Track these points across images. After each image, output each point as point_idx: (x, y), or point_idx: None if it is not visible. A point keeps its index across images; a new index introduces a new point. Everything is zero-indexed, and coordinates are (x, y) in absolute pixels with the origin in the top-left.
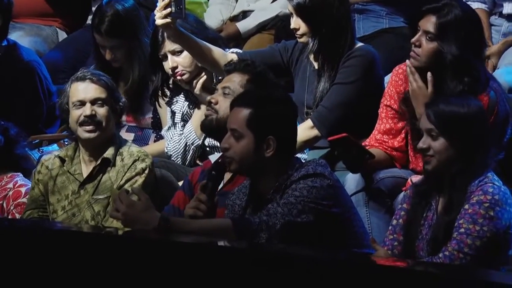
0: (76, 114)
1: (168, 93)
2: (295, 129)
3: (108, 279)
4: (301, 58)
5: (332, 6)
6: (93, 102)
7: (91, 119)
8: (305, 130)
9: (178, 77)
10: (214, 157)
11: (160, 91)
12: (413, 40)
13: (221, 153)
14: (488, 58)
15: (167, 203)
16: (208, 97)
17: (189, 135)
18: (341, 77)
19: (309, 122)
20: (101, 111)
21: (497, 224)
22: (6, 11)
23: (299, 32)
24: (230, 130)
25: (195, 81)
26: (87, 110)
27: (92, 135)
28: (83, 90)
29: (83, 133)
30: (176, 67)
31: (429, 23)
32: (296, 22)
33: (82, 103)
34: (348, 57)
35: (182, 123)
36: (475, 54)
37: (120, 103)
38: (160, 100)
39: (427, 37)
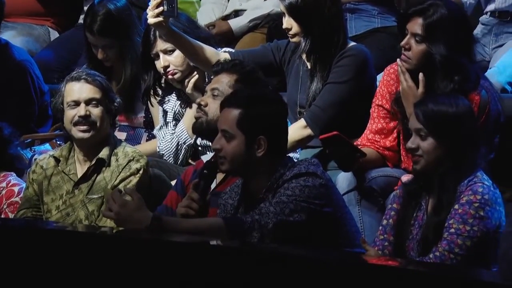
0: (70, 114)
1: (160, 92)
2: (285, 128)
3: (101, 278)
4: (294, 58)
5: (324, 6)
6: (88, 102)
7: (85, 119)
8: (298, 129)
9: (170, 76)
10: (206, 157)
11: (152, 90)
12: (402, 43)
13: (213, 153)
14: None
15: (159, 202)
16: (198, 100)
17: (181, 134)
18: (334, 77)
19: (302, 122)
20: (96, 111)
21: (487, 224)
22: None
23: (291, 32)
24: (221, 131)
25: (187, 80)
26: (81, 110)
27: (86, 135)
28: (78, 90)
29: (77, 133)
30: (168, 66)
31: (416, 25)
32: (288, 22)
33: (76, 103)
34: (340, 57)
35: (174, 122)
36: (464, 52)
37: (115, 104)
38: (152, 99)
39: (416, 40)
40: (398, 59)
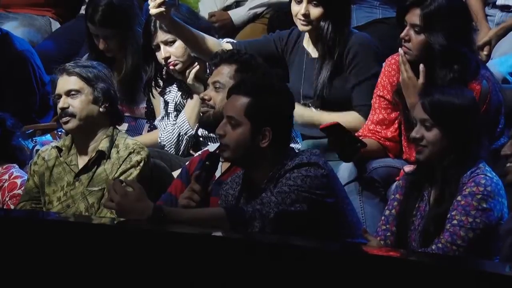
0: (58, 107)
1: (161, 83)
2: (291, 121)
3: (102, 269)
4: (296, 47)
5: None
6: (68, 94)
7: (63, 111)
8: (357, 120)
9: (171, 67)
10: (212, 148)
11: (153, 82)
12: (402, 35)
13: (219, 144)
14: (489, 44)
15: (160, 192)
16: (201, 95)
17: (182, 125)
18: (362, 73)
19: (359, 116)
20: (75, 102)
21: (490, 216)
22: None
23: (308, 19)
24: (227, 117)
25: (188, 71)
26: (60, 103)
27: (68, 126)
28: (60, 83)
29: (63, 125)
30: (169, 57)
31: (414, 16)
32: (306, 8)
33: (59, 97)
34: (353, 49)
35: (175, 113)
36: (463, 41)
37: (97, 92)
38: (154, 91)
39: (415, 30)
40: (400, 49)
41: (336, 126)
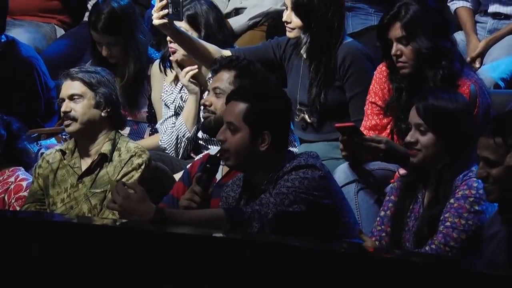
0: (61, 111)
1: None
2: (288, 124)
3: (104, 269)
4: (294, 54)
5: (328, 9)
6: (71, 98)
7: (66, 115)
8: None
9: (171, 52)
10: (214, 151)
11: (168, 61)
12: (393, 53)
13: (219, 147)
14: (481, 56)
15: (161, 195)
16: (202, 101)
17: (180, 127)
18: (357, 84)
19: None
20: (77, 106)
21: (482, 218)
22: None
23: (290, 26)
24: (226, 123)
25: (185, 70)
26: (63, 107)
27: (69, 129)
28: (63, 88)
29: (65, 128)
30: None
31: (396, 30)
32: (288, 16)
33: (63, 100)
34: (346, 59)
35: (175, 116)
36: (444, 36)
37: (101, 95)
38: (168, 72)
39: (402, 43)
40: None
41: (352, 128)
